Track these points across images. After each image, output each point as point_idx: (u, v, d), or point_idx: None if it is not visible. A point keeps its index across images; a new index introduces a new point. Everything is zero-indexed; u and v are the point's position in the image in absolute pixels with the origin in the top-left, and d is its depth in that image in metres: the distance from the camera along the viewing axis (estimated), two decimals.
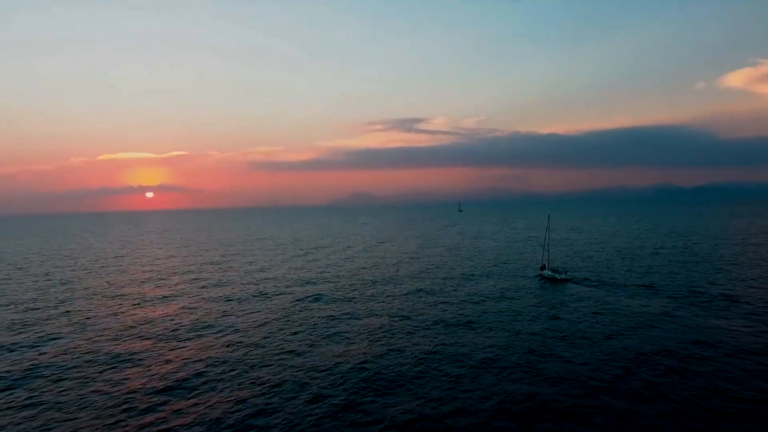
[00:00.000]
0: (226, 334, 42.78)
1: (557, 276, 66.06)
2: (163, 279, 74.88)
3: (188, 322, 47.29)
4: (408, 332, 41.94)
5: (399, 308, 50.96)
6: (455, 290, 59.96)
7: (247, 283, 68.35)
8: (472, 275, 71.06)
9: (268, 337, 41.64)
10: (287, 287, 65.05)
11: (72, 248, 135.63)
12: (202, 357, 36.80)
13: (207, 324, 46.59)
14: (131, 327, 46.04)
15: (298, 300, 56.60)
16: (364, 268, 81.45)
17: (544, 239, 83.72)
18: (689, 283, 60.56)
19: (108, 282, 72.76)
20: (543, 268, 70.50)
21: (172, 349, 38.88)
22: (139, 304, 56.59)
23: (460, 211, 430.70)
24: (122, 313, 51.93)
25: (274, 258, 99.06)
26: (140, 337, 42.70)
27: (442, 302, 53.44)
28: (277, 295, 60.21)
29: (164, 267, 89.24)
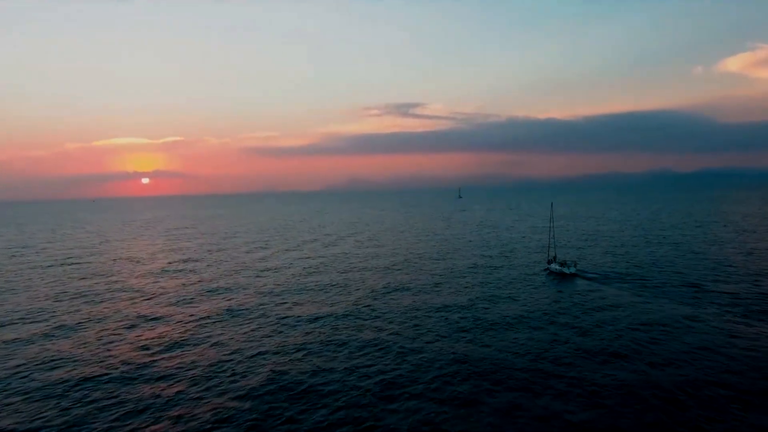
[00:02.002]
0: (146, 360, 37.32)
1: (566, 270, 61.11)
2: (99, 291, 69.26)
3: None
4: (404, 338, 36.81)
5: (386, 310, 45.84)
6: (454, 289, 54.85)
7: (202, 295, 62.58)
8: (475, 270, 66.01)
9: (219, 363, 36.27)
10: (256, 293, 59.72)
11: (41, 238, 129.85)
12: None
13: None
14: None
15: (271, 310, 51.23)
16: (357, 263, 76.23)
17: (549, 229, 78.53)
18: (714, 281, 55.49)
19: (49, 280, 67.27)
20: (550, 261, 65.52)
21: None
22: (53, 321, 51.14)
23: (460, 197, 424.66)
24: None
25: (253, 252, 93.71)
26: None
27: (437, 305, 48.29)
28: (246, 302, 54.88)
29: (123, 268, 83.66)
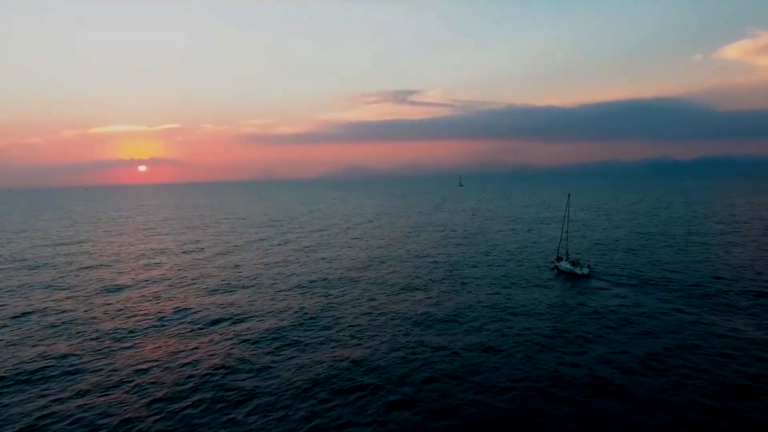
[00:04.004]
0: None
1: (577, 270, 54.95)
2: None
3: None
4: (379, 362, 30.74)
5: (364, 319, 39.74)
6: (445, 290, 48.68)
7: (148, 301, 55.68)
8: (475, 268, 59.81)
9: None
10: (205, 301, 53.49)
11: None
12: None
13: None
14: None
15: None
16: (335, 260, 69.99)
17: (562, 223, 72.14)
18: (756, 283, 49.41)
19: None
20: (559, 259, 59.41)
21: None
22: None
23: (461, 185, 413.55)
24: None
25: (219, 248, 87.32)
26: None
27: (429, 309, 42.15)
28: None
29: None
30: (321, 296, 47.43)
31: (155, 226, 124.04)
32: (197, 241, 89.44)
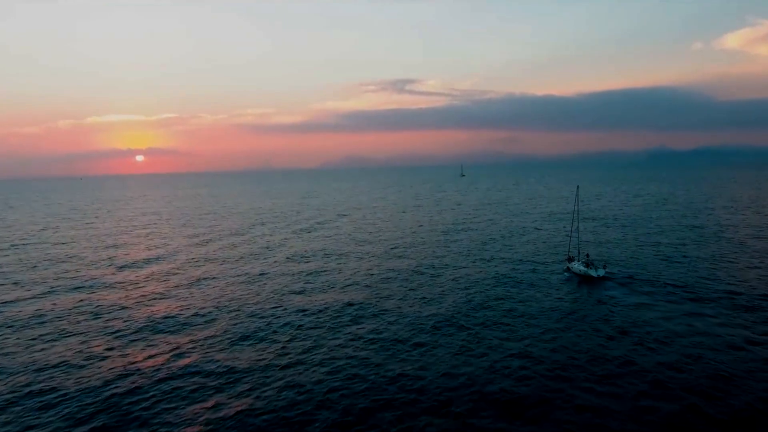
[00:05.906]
0: None
1: (592, 272, 48.06)
2: None
3: None
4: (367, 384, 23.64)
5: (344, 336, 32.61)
6: (438, 294, 41.51)
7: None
8: (477, 270, 52.70)
9: None
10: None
11: None
12: None
13: None
14: None
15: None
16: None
17: (572, 219, 64.81)
18: None
19: None
20: (571, 260, 52.30)
21: None
22: None
23: (463, 175, 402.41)
24: None
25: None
26: None
27: (425, 317, 35.03)
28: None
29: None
30: (288, 332, 40.29)
31: (125, 225, 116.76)
32: (167, 245, 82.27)
